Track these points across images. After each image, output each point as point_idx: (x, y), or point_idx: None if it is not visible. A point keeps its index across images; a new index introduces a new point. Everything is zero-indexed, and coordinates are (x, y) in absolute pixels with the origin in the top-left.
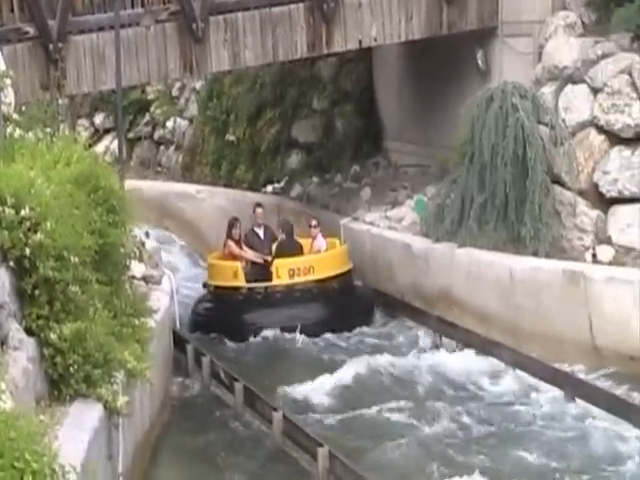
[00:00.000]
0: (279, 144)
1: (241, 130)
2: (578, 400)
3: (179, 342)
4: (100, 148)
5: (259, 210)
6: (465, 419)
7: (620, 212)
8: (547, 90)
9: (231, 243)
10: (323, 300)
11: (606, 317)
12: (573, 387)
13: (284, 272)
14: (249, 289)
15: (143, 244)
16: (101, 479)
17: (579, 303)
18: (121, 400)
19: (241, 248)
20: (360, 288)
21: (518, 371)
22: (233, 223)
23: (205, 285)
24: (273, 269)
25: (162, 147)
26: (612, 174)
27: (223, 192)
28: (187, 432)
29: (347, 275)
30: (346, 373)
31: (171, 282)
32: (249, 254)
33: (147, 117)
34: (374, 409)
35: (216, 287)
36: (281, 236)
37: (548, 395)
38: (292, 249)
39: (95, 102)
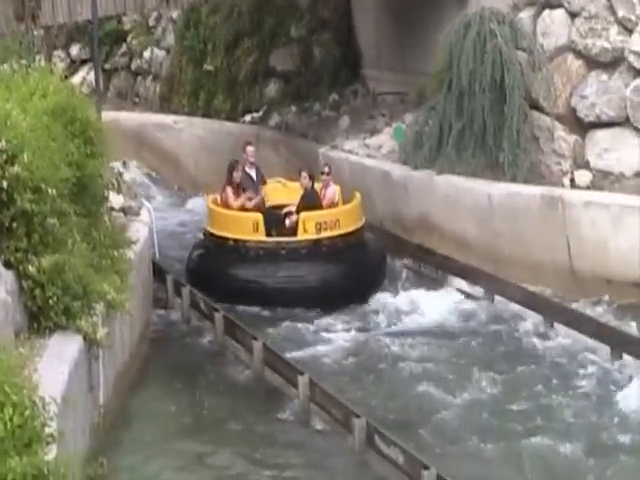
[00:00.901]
0: (257, 73)
1: (219, 59)
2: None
3: (159, 273)
4: (77, 79)
5: (250, 148)
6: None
7: (597, 136)
8: (525, 15)
9: (229, 189)
10: (348, 257)
11: (584, 241)
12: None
13: (311, 226)
14: (276, 243)
15: (121, 175)
16: (82, 410)
17: (557, 228)
18: (101, 332)
19: (238, 194)
20: (373, 241)
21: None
22: (234, 166)
23: (206, 234)
24: (299, 222)
25: (139, 78)
26: (590, 98)
27: (201, 122)
28: (167, 363)
29: (363, 229)
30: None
31: (150, 213)
32: (246, 202)
33: (124, 48)
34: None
35: (226, 239)
36: (307, 184)
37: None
38: (315, 200)
39: (71, 33)
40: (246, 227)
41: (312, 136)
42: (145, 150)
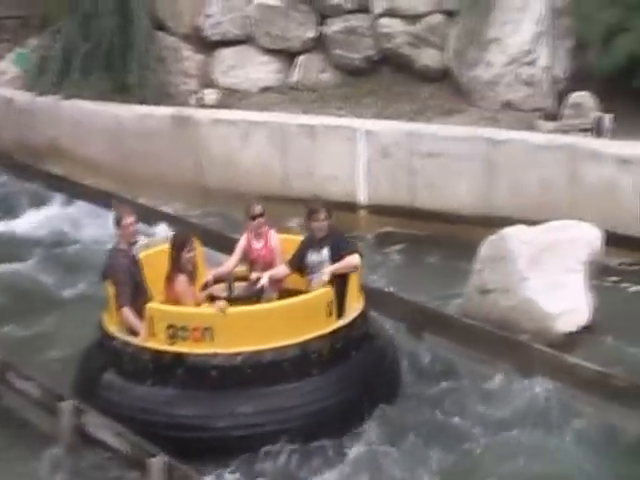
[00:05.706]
0: None
1: None
2: None
3: None
4: None
5: (129, 220)
6: None
7: (223, 55)
8: None
9: (182, 278)
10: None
11: (214, 158)
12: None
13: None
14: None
15: None
16: None
17: (189, 147)
18: None
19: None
20: None
21: None
22: (185, 243)
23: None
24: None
25: None
26: (215, 17)
27: None
28: None
29: None
30: None
31: None
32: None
33: None
34: None
35: (286, 349)
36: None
37: None
38: (349, 246)
39: None
40: (319, 315)
41: None
42: None
